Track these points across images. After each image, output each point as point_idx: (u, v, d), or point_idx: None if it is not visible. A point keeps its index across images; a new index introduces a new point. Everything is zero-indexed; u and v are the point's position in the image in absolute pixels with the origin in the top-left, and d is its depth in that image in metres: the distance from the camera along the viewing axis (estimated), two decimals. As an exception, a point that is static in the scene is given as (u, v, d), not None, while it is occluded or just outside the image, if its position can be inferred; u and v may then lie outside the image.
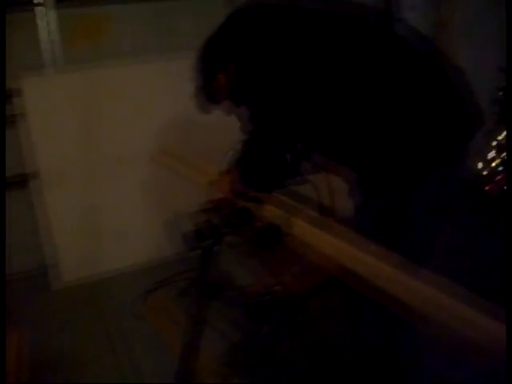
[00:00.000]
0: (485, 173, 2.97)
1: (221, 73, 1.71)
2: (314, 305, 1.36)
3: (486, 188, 2.96)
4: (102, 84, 3.18)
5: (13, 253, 2.98)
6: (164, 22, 3.47)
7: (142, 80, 3.25)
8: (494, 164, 2.96)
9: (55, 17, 3.13)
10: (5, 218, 2.68)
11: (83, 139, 3.16)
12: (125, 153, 3.26)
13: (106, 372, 2.39)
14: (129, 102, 3.22)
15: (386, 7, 4.00)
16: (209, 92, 1.79)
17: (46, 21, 3.11)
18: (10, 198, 3.05)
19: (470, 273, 2.76)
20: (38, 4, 3.08)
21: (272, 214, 1.54)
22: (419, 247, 1.61)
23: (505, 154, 2.87)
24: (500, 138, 2.97)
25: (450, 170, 1.59)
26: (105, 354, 2.52)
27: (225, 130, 3.26)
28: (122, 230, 3.30)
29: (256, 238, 1.43)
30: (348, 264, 1.14)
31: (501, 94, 2.88)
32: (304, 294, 1.19)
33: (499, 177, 2.92)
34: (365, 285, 1.08)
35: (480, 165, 3.05)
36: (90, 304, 2.99)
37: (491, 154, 3.00)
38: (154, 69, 3.31)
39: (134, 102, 3.24)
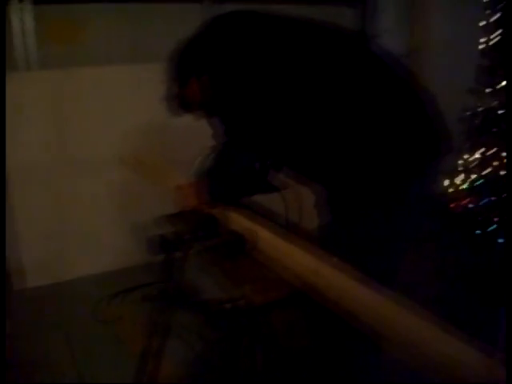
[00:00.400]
0: (450, 190, 3.03)
1: (193, 81, 1.70)
2: (276, 318, 1.35)
3: (451, 205, 3.01)
4: (75, 84, 3.16)
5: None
6: (139, 25, 3.46)
7: (115, 82, 3.24)
8: (459, 182, 3.02)
9: (31, 15, 3.09)
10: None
11: (53, 140, 3.13)
12: (95, 155, 3.24)
13: (65, 376, 2.36)
14: (101, 103, 3.20)
15: (361, 29, 4.09)
16: (180, 99, 1.78)
17: (20, 18, 3.07)
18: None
19: (433, 289, 2.81)
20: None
21: (237, 224, 1.54)
22: (383, 266, 1.63)
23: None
24: (466, 156, 3.04)
25: (415, 189, 1.62)
26: (65, 357, 2.48)
27: (197, 134, 3.31)
28: (89, 234, 3.27)
29: (220, 246, 1.43)
30: (308, 277, 1.14)
31: (468, 113, 2.96)
32: (265, 307, 1.18)
33: (465, 200, 2.97)
34: (325, 298, 1.08)
35: (446, 182, 3.11)
36: (52, 306, 2.95)
37: (458, 174, 3.06)
38: (127, 71, 3.31)
39: (106, 104, 3.21)
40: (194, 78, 1.69)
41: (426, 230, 2.99)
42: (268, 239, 1.40)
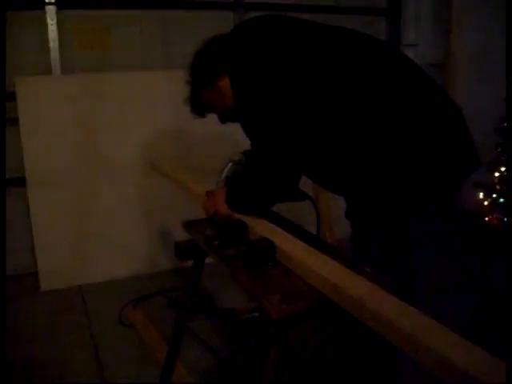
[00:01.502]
0: (486, 203, 2.94)
1: (214, 83, 1.66)
2: (304, 328, 1.32)
3: (486, 219, 2.93)
4: (99, 89, 3.16)
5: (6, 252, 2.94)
6: (171, 31, 3.47)
7: (140, 87, 3.25)
8: (495, 195, 2.94)
9: (65, 20, 3.13)
10: (5, 220, 2.66)
11: (75, 144, 3.14)
12: (118, 160, 3.24)
13: (88, 378, 2.35)
14: (125, 108, 3.21)
15: (396, 39, 4.04)
16: (201, 101, 1.75)
17: (55, 23, 3.10)
18: (9, 196, 3.08)
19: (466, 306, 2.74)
20: (49, 3, 3.08)
21: (267, 230, 1.51)
22: (411, 279, 1.59)
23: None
24: (503, 169, 2.95)
25: (446, 205, 1.56)
26: (89, 361, 2.47)
27: (222, 140, 3.31)
28: (113, 238, 3.27)
29: (250, 252, 1.39)
30: (342, 285, 1.11)
31: (504, 124, 2.87)
32: (293, 317, 1.15)
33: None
34: (358, 308, 1.05)
35: (481, 195, 3.02)
36: (78, 308, 2.96)
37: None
38: (152, 77, 3.32)
39: (130, 109, 3.23)
40: (219, 78, 1.65)
41: (458, 243, 2.96)
42: (285, 251, 1.37)
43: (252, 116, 1.55)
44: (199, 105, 1.76)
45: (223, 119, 1.80)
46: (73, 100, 3.08)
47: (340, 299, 1.11)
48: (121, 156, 3.23)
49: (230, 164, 1.83)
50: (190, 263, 1.82)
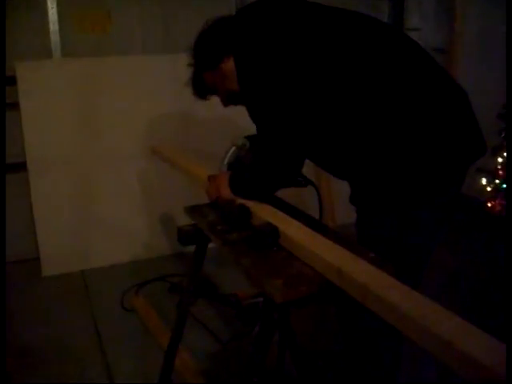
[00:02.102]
0: (489, 189, 2.93)
1: (218, 65, 1.63)
2: (307, 312, 1.32)
3: (489, 204, 2.92)
4: (100, 74, 3.14)
5: (10, 238, 2.94)
6: (171, 15, 3.44)
7: (143, 71, 3.22)
8: (498, 181, 2.93)
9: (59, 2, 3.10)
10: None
11: (76, 129, 3.12)
12: (119, 144, 3.23)
13: (91, 362, 2.36)
14: (126, 92, 3.19)
15: (399, 23, 4.00)
16: (204, 83, 1.72)
17: (55, 6, 3.07)
18: (8, 182, 3.07)
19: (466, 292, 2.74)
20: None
21: (271, 215, 1.50)
22: (415, 266, 1.59)
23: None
24: (506, 154, 2.93)
25: (451, 192, 1.55)
26: (91, 346, 2.48)
27: (223, 125, 3.30)
28: (115, 223, 3.26)
29: (253, 237, 1.39)
30: (345, 270, 1.10)
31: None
32: (296, 302, 1.14)
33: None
34: (362, 292, 1.04)
35: (484, 181, 3.01)
36: (78, 293, 2.97)
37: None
38: (153, 60, 3.28)
39: (131, 93, 3.20)
40: (222, 59, 1.62)
41: (460, 229, 2.94)
42: (289, 235, 1.36)
43: (257, 99, 1.53)
44: (201, 87, 1.74)
45: (226, 102, 1.78)
46: (73, 84, 3.06)
47: (344, 283, 1.10)
48: (122, 141, 3.22)
49: (233, 148, 1.81)
50: (191, 248, 1.81)
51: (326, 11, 1.60)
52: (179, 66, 3.02)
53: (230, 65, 1.60)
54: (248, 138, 1.82)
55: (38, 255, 3.15)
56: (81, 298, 2.90)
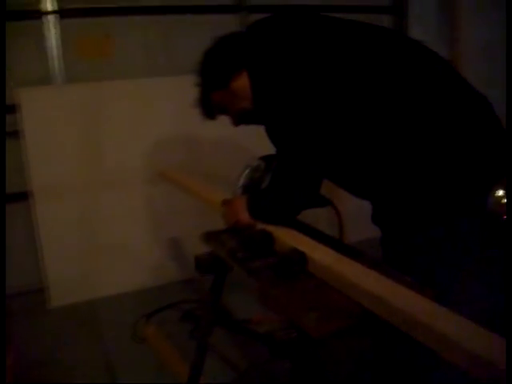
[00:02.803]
0: (504, 201, 2.83)
1: (228, 84, 1.56)
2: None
3: (504, 217, 2.82)
4: (104, 98, 3.08)
5: (11, 269, 2.85)
6: (173, 36, 3.40)
7: (145, 95, 3.17)
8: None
9: (63, 28, 3.06)
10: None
11: (80, 154, 3.06)
12: (124, 169, 3.17)
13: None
14: (130, 116, 3.13)
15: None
16: (214, 103, 1.64)
17: (54, 31, 3.02)
18: (11, 213, 2.98)
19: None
20: (48, 12, 3.00)
21: (295, 240, 1.42)
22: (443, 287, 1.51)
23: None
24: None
25: (476, 208, 1.48)
26: (104, 377, 2.38)
27: (234, 145, 3.24)
28: (123, 251, 3.19)
29: (279, 265, 1.31)
30: (388, 298, 1.02)
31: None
32: (333, 336, 1.06)
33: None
34: (410, 323, 0.96)
35: (501, 192, 2.91)
36: (88, 324, 2.87)
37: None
38: (156, 83, 3.23)
39: (135, 117, 3.15)
40: (233, 77, 1.55)
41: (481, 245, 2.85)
42: (318, 261, 1.28)
43: (277, 116, 1.45)
44: (210, 107, 1.67)
45: (237, 121, 1.70)
46: (76, 109, 3.00)
47: (387, 314, 1.02)
48: (127, 165, 3.15)
49: (248, 170, 1.75)
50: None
51: (340, 24, 1.54)
52: (183, 89, 3.00)
53: (241, 82, 1.53)
54: (263, 158, 1.75)
55: (41, 286, 3.07)
56: (90, 330, 2.80)
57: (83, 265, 3.12)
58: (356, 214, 2.36)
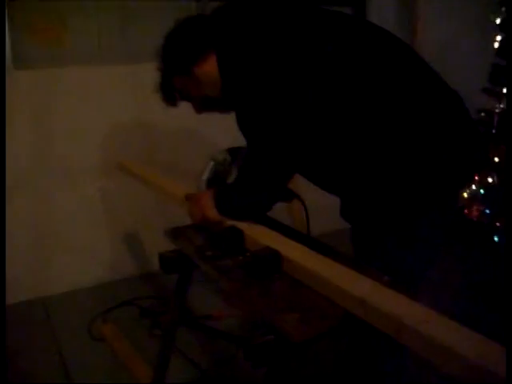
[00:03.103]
0: (465, 195, 2.88)
1: (191, 69, 1.46)
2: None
3: (466, 211, 2.87)
4: (54, 85, 2.92)
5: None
6: (131, 23, 3.27)
7: (100, 83, 3.02)
8: (474, 187, 2.88)
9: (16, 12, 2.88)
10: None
11: (30, 145, 2.90)
12: (77, 161, 3.02)
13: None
14: (83, 105, 2.98)
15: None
16: (178, 88, 1.54)
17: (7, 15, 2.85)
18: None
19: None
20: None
21: (267, 237, 1.36)
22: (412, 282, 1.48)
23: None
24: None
25: (451, 206, 1.46)
26: (59, 379, 2.28)
27: (195, 137, 3.15)
28: (77, 246, 3.06)
29: (251, 263, 1.24)
30: (371, 300, 0.97)
31: (483, 115, 2.80)
32: (315, 339, 1.01)
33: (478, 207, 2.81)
34: (395, 326, 0.92)
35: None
36: (41, 323, 2.73)
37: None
38: (113, 71, 3.08)
39: (89, 106, 3.00)
40: (197, 63, 1.45)
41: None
42: (294, 260, 1.22)
43: (248, 105, 1.37)
44: (171, 93, 1.57)
45: (200, 109, 1.61)
46: (28, 97, 2.84)
47: (369, 316, 0.97)
48: (81, 157, 3.01)
49: (212, 163, 1.67)
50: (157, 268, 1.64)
51: (309, 7, 1.47)
52: (141, 77, 2.91)
53: (206, 68, 1.44)
54: (228, 151, 1.68)
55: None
56: (43, 329, 2.67)
57: (34, 261, 2.98)
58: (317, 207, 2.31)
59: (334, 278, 1.07)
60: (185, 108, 1.64)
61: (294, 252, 1.24)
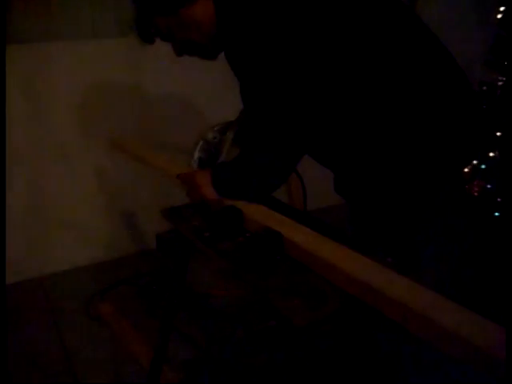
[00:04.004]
0: (466, 170, 2.83)
1: (184, 7, 1.34)
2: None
3: (466, 186, 2.83)
4: (48, 61, 2.85)
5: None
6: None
7: (94, 58, 2.93)
8: (475, 161, 2.83)
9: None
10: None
11: (24, 122, 2.84)
12: (73, 139, 2.96)
13: (59, 376, 2.16)
14: (78, 82, 2.91)
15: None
16: (150, 27, 1.43)
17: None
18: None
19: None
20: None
21: (268, 217, 1.32)
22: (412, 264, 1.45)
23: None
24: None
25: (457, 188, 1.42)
26: (57, 357, 2.26)
27: (192, 112, 3.08)
28: (74, 224, 3.02)
29: (252, 244, 1.20)
30: (376, 285, 0.94)
31: (485, 88, 2.74)
32: (317, 324, 0.98)
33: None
34: (401, 311, 0.89)
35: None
36: (40, 302, 2.72)
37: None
38: (106, 45, 2.98)
39: (84, 83, 2.92)
40: (186, 4, 1.33)
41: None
42: (297, 243, 1.18)
43: (252, 62, 1.25)
44: (149, 31, 1.45)
45: (180, 52, 1.48)
46: (18, 73, 2.77)
47: (376, 301, 0.94)
48: (75, 134, 2.95)
49: (202, 142, 1.62)
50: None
51: None
52: (134, 51, 2.83)
53: (197, 10, 1.34)
54: (218, 129, 1.63)
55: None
56: (41, 308, 2.65)
57: (31, 240, 2.94)
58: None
59: (338, 260, 1.03)
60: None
61: (296, 233, 1.20)
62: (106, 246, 3.13)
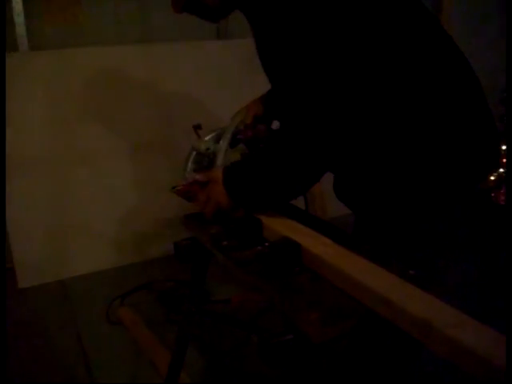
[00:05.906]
0: (492, 178, 2.77)
1: None
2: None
3: (492, 194, 2.77)
4: (72, 67, 2.88)
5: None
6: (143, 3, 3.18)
7: (117, 64, 2.96)
8: (502, 170, 2.78)
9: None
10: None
11: (50, 128, 2.87)
12: (98, 143, 2.99)
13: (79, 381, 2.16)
14: (102, 87, 2.94)
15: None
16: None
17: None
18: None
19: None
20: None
21: (287, 227, 1.30)
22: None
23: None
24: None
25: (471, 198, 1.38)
26: (77, 362, 2.27)
27: (215, 120, 3.07)
28: (96, 227, 3.04)
29: (270, 255, 1.18)
30: (398, 301, 0.91)
31: (505, 95, 2.69)
32: (335, 340, 0.95)
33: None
34: (423, 330, 0.86)
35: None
36: (61, 306, 2.72)
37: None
38: (129, 51, 3.00)
39: (108, 88, 2.95)
40: None
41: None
42: (316, 254, 1.15)
43: (288, 43, 1.14)
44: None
45: (183, 8, 1.38)
46: (43, 78, 2.80)
47: (395, 317, 0.91)
48: (100, 138, 2.98)
49: (194, 154, 1.60)
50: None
51: None
52: (157, 57, 2.84)
53: None
54: (211, 138, 1.60)
55: (12, 266, 2.90)
56: (62, 312, 2.66)
57: (54, 242, 2.96)
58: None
59: (358, 274, 1.01)
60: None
61: (315, 245, 1.17)
62: (128, 251, 3.14)
